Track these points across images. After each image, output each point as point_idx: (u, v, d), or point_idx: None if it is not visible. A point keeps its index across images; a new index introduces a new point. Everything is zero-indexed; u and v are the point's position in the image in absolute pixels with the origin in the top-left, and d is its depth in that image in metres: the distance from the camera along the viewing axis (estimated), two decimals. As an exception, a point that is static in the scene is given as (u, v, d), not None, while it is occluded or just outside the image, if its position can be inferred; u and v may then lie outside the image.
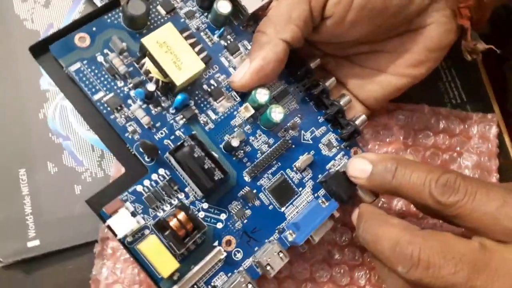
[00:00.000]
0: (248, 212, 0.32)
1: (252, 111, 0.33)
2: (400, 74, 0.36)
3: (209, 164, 0.30)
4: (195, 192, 0.31)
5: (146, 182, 0.30)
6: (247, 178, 0.33)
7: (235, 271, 0.31)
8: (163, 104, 0.31)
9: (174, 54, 0.30)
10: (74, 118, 0.38)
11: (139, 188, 0.30)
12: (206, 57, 0.32)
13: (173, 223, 0.28)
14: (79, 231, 0.35)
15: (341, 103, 0.35)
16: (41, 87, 0.38)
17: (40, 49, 0.30)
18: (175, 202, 0.30)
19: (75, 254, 0.35)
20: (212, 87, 0.33)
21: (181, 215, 0.29)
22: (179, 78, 0.30)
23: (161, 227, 0.29)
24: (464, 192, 0.27)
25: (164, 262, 0.28)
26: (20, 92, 0.37)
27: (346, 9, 0.32)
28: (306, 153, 0.35)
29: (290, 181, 0.34)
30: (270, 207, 0.33)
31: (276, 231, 0.33)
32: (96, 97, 0.30)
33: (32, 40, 0.29)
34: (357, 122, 0.35)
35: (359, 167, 0.31)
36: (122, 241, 0.29)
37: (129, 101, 0.31)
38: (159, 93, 0.31)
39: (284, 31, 0.32)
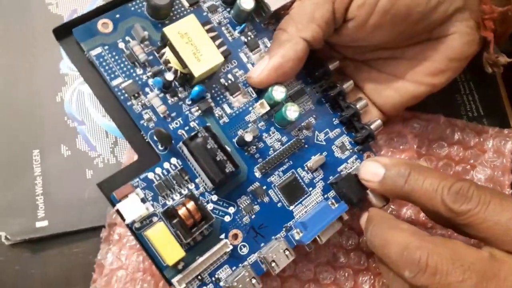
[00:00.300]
0: (257, 207, 0.32)
1: (268, 108, 0.33)
2: (418, 82, 0.36)
3: (221, 157, 0.30)
4: (205, 184, 0.31)
5: (158, 170, 0.30)
6: (257, 174, 0.33)
7: (240, 265, 0.31)
8: (180, 95, 0.31)
9: (194, 45, 0.30)
10: (90, 104, 0.38)
11: (150, 175, 0.30)
12: (225, 51, 0.32)
13: (181, 212, 0.28)
14: (87, 215, 0.35)
15: (357, 106, 0.35)
16: (61, 71, 0.38)
17: (63, 32, 0.30)
18: (185, 192, 0.30)
19: (82, 237, 0.35)
20: (230, 81, 0.33)
21: (190, 205, 0.29)
22: (197, 69, 0.30)
23: (169, 215, 0.29)
24: (477, 201, 0.27)
25: (170, 250, 0.28)
26: (39, 74, 0.38)
27: (369, 13, 0.32)
28: (319, 153, 0.35)
29: (300, 180, 0.34)
30: (279, 204, 0.33)
31: (284, 228, 0.33)
32: (114, 82, 0.30)
33: (55, 24, 0.30)
34: (372, 127, 0.35)
35: (372, 170, 0.31)
36: (130, 226, 0.29)
37: (147, 89, 0.31)
38: (177, 83, 0.32)
39: (306, 30, 0.32)
